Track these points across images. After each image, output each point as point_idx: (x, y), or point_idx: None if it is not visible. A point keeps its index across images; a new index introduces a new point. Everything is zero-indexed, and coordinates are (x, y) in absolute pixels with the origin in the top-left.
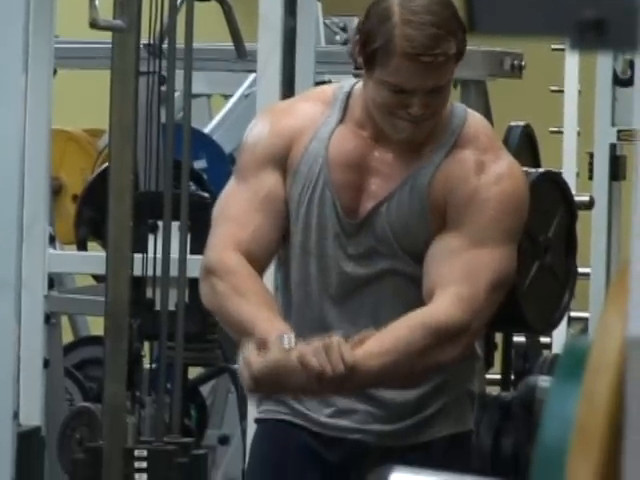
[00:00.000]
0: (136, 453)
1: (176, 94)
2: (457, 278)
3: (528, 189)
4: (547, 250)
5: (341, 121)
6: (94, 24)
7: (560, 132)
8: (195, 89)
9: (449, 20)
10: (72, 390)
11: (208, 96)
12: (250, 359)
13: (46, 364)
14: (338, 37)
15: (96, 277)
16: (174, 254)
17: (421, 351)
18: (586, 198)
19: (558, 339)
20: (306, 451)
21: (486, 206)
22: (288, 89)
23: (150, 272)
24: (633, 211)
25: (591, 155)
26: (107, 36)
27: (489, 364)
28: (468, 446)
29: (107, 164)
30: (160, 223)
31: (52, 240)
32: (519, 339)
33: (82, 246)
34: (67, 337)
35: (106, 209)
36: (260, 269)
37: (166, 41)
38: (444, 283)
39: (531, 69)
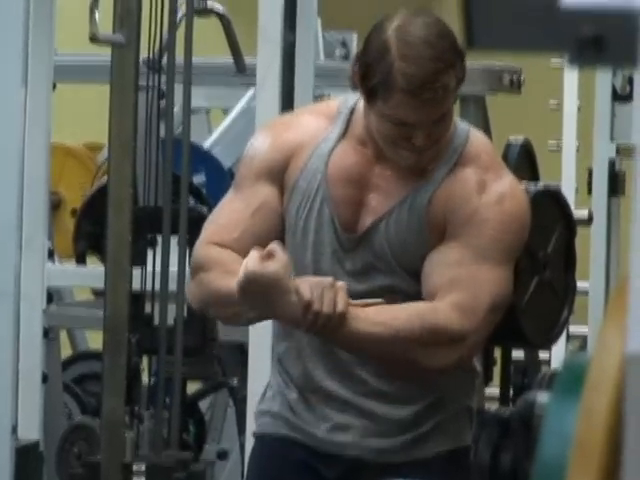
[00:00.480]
0: (134, 468)
1: (175, 108)
2: (457, 288)
3: (529, 208)
4: (546, 265)
5: (343, 136)
6: (94, 38)
7: (559, 147)
8: (194, 103)
9: (447, 51)
10: (70, 405)
11: (207, 111)
12: (247, 262)
13: (45, 378)
14: (337, 52)
15: (95, 291)
16: (173, 268)
17: (411, 341)
18: (585, 213)
19: (557, 355)
20: (304, 467)
21: (486, 225)
22: (287, 103)
23: (149, 286)
24: (632, 226)
25: (590, 170)
26: (106, 51)
27: (488, 379)
28: (466, 462)
29: (106, 178)
30: (159, 237)
31: (51, 254)
32: (518, 354)
33: (81, 260)
34: (66, 351)
35: (105, 223)
36: None
37: (165, 56)
38: (444, 290)
39: (530, 84)
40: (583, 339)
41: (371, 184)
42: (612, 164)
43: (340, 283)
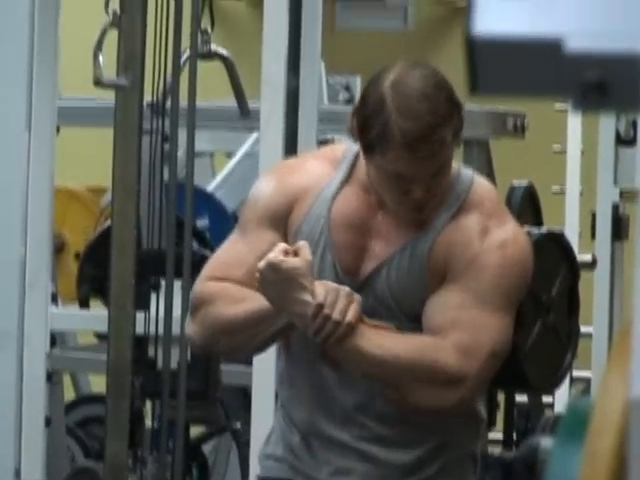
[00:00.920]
0: None
1: (179, 152)
2: (458, 329)
3: (532, 256)
4: (549, 309)
5: (347, 182)
6: (98, 82)
7: (563, 192)
8: (198, 147)
9: (444, 104)
10: (74, 448)
11: (211, 154)
12: (270, 254)
13: (48, 422)
14: (341, 95)
15: (98, 335)
16: (176, 312)
17: (408, 371)
18: (589, 258)
19: (560, 399)
20: None
21: (487, 270)
22: (291, 147)
23: (152, 330)
24: (635, 271)
25: (593, 215)
26: (110, 94)
27: (491, 423)
28: None
29: (109, 222)
30: (162, 281)
31: (54, 298)
32: (521, 398)
33: (84, 304)
34: (69, 395)
35: (108, 267)
36: None
37: (169, 99)
38: (445, 330)
39: (534, 129)
40: (586, 383)
41: (373, 230)
42: (616, 208)
43: (356, 295)
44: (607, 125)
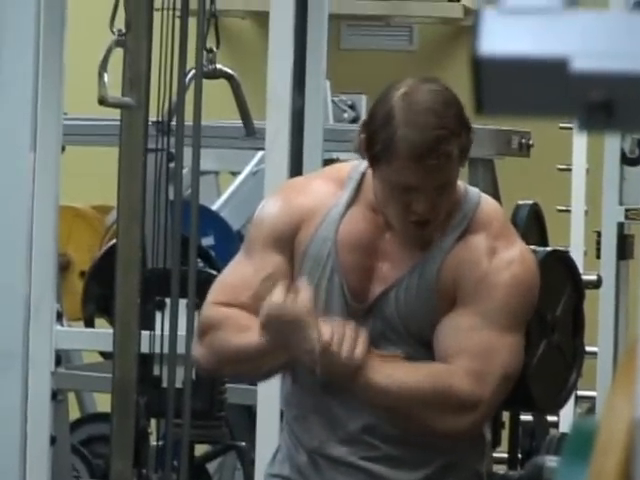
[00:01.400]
0: None
1: (184, 171)
2: (470, 354)
3: (539, 275)
4: (554, 329)
5: (353, 202)
6: (103, 101)
7: (568, 210)
8: (203, 166)
9: (452, 119)
10: (79, 467)
11: (216, 173)
12: (272, 297)
13: (53, 441)
14: (346, 115)
15: (103, 354)
16: (181, 331)
17: (421, 401)
18: (594, 277)
19: (565, 418)
20: None
21: (496, 290)
22: (296, 167)
23: (157, 349)
24: None
25: (599, 234)
26: (116, 113)
27: (496, 443)
28: None
29: (115, 241)
30: (167, 300)
31: (59, 317)
32: (526, 418)
33: (89, 323)
34: (74, 414)
35: (114, 286)
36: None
37: (174, 118)
38: (456, 356)
39: (539, 148)
40: (591, 402)
41: (381, 251)
42: (621, 227)
43: (363, 332)
44: (612, 144)
